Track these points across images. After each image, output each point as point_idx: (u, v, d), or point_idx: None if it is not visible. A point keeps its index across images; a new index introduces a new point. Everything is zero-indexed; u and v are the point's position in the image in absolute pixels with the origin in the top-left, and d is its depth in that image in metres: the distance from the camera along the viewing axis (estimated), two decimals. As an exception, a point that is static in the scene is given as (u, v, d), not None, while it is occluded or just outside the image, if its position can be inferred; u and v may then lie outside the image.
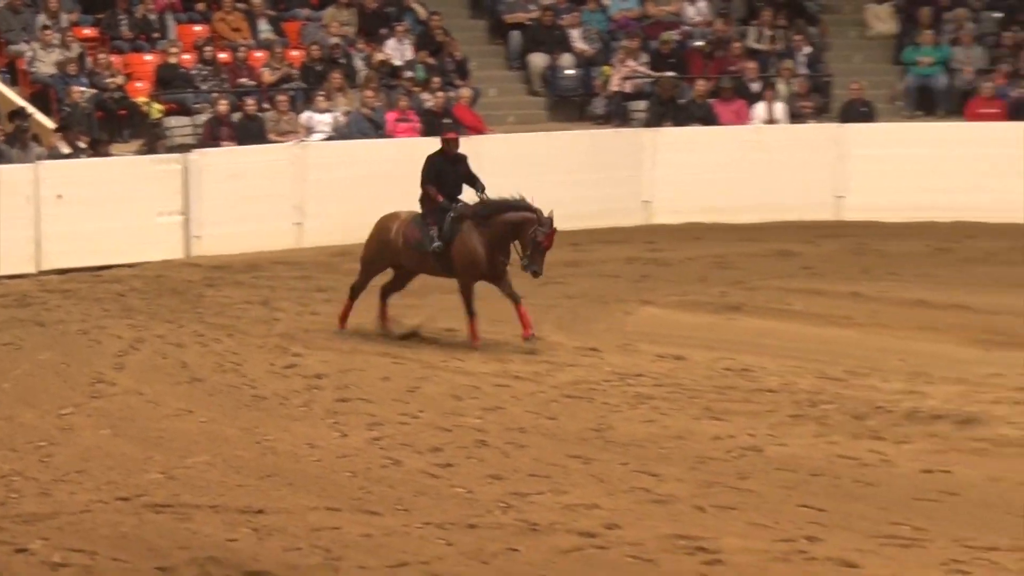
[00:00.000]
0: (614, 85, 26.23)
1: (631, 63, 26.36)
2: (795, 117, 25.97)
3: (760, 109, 25.87)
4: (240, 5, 26.15)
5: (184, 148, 23.47)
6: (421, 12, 26.99)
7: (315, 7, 26.78)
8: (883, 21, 28.10)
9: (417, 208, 17.68)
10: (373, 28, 26.41)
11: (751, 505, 12.20)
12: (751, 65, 26.50)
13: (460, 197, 17.59)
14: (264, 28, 26.26)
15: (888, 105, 26.79)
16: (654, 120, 25.67)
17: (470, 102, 25.40)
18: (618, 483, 12.76)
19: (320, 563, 11.01)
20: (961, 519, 11.86)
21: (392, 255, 17.82)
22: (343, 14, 26.43)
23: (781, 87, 26.22)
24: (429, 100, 25.02)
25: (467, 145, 24.13)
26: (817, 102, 26.46)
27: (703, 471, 13.08)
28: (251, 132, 23.92)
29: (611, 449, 13.72)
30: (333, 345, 17.57)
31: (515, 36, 27.09)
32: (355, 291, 18.11)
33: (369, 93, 24.68)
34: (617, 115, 26.10)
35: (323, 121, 24.44)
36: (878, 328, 18.25)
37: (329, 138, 24.29)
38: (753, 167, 24.71)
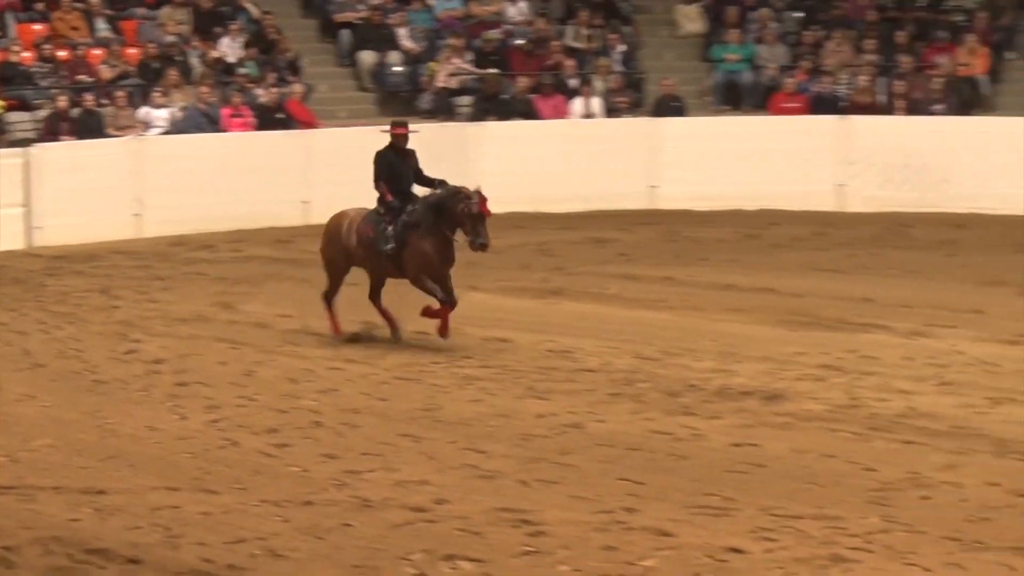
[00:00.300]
0: (440, 81, 26.20)
1: (456, 60, 26.36)
2: (611, 112, 26.13)
3: (578, 104, 26.00)
4: (78, 4, 25.72)
5: (25, 142, 23.12)
6: (254, 11, 26.76)
7: (151, 6, 26.42)
8: (692, 21, 28.32)
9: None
10: (208, 27, 26.13)
11: (572, 479, 12.25)
12: (569, 63, 26.62)
13: (414, 191, 16.74)
14: (102, 27, 25.86)
15: (698, 100, 27.01)
16: (478, 115, 25.73)
17: (302, 98, 25.25)
18: (447, 460, 12.75)
19: (160, 541, 10.88)
20: (768, 489, 11.99)
21: (347, 253, 16.85)
22: (178, 13, 26.14)
23: (598, 83, 26.36)
24: (262, 96, 24.83)
25: (299, 139, 24.26)
26: (631, 97, 26.64)
27: (527, 447, 13.11)
28: (90, 127, 23.61)
29: (440, 428, 13.71)
30: (172, 331, 17.38)
31: (345, 34, 26.95)
32: (327, 297, 17.09)
33: (204, 89, 24.46)
34: (443, 110, 26.08)
35: (160, 116, 24.18)
36: (690, 310, 18.41)
37: (166, 132, 24.03)
38: (572, 159, 24.81)
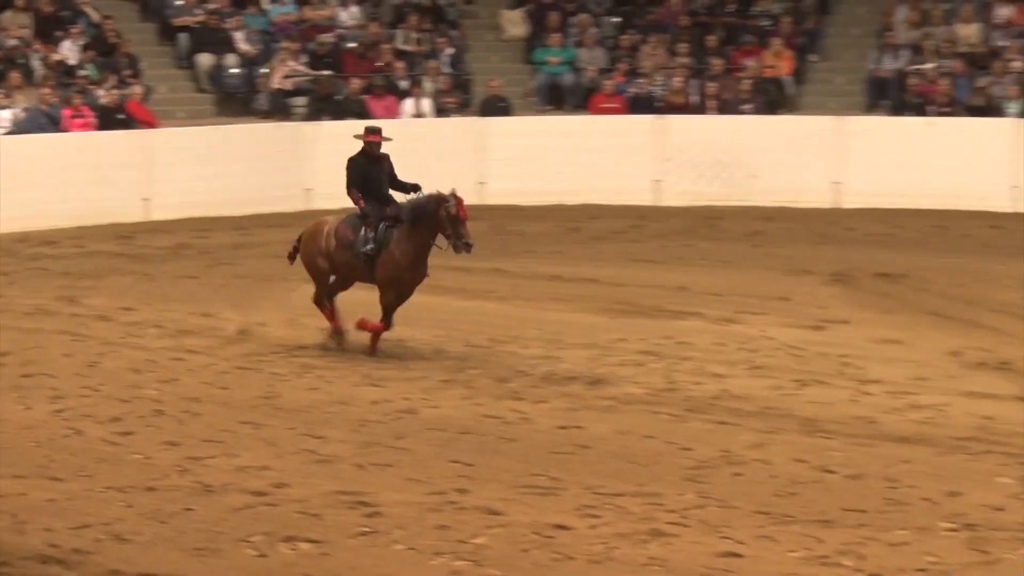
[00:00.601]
0: (276, 83, 26.00)
1: (291, 63, 26.17)
2: (440, 111, 26.12)
3: (409, 104, 25.95)
4: (-78, 8, 25.20)
5: None
6: (94, 15, 26.34)
7: (-7, 11, 25.96)
8: (516, 25, 28.39)
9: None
10: (49, 30, 25.65)
11: (407, 462, 12.23)
12: (400, 65, 26.56)
13: (389, 195, 15.90)
14: (-55, 31, 25.37)
15: (522, 100, 27.08)
16: (313, 115, 25.58)
17: (142, 99, 24.91)
18: (286, 446, 12.67)
19: (7, 527, 10.68)
20: (592, 469, 12.07)
21: (328, 257, 15.91)
22: (20, 17, 25.64)
23: (427, 84, 26.34)
24: (103, 97, 24.46)
25: (140, 138, 23.94)
26: (459, 98, 26.65)
27: (363, 433, 13.07)
28: (-65, 128, 23.14)
29: (279, 415, 13.61)
30: (16, 325, 17.05)
31: (183, 38, 26.62)
32: (318, 302, 16.22)
33: (46, 91, 24.02)
34: (279, 110, 25.90)
35: (3, 117, 23.71)
36: (518, 300, 18.46)
37: (9, 133, 23.58)
38: (403, 157, 24.57)
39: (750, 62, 26.84)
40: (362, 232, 15.63)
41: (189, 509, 11.09)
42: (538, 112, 26.75)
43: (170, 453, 12.43)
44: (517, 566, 10.10)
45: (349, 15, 27.62)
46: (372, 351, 15.70)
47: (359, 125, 24.95)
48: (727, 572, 10.01)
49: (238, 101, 26.25)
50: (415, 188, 15.84)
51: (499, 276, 19.82)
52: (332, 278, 16.19)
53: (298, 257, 16.41)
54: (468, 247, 15.41)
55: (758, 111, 26.04)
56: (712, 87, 26.33)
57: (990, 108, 25.42)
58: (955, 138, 24.62)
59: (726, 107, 26.13)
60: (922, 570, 10.03)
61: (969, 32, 26.68)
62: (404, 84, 26.29)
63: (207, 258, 21.14)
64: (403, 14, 27.79)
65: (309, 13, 27.44)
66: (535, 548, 10.38)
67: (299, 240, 16.39)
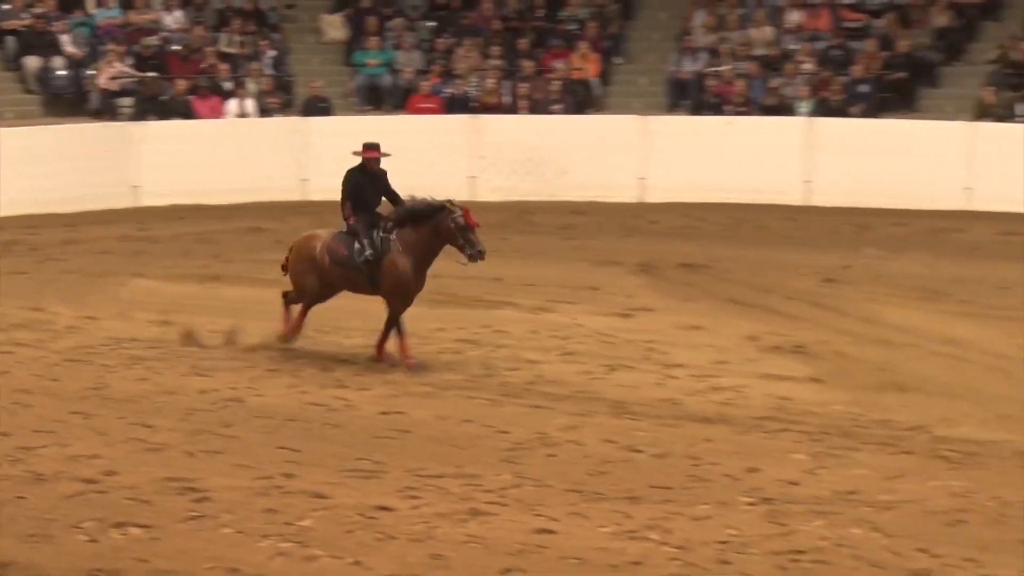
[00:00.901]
0: (103, 84, 25.58)
1: (117, 64, 25.75)
2: (263, 112, 25.92)
3: (233, 105, 25.71)
4: None
5: None
6: (-78, 18, 25.73)
7: None
8: (335, 29, 28.24)
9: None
10: None
11: (234, 449, 12.12)
12: (224, 66, 26.30)
13: (379, 211, 15.08)
14: None
15: (343, 101, 26.96)
16: (139, 115, 25.22)
17: (-30, 100, 24.40)
18: (116, 435, 12.48)
19: None
20: (413, 452, 12.06)
21: (321, 273, 15.07)
22: None
23: (251, 85, 26.11)
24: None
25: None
26: (282, 99, 26.46)
27: (192, 421, 12.92)
28: None
29: (109, 405, 13.40)
30: None
31: (10, 41, 26.07)
32: (290, 300, 15.44)
33: None
34: (106, 111, 25.48)
35: None
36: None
37: None
38: (228, 155, 24.52)
39: (559, 64, 26.99)
40: (356, 245, 14.87)
41: (21, 497, 10.88)
42: (358, 112, 26.64)
43: (1, 443, 12.17)
44: (341, 546, 10.06)
45: (173, 19, 27.26)
46: (410, 363, 14.66)
47: (184, 125, 24.95)
48: (541, 548, 10.07)
49: (65, 102, 25.77)
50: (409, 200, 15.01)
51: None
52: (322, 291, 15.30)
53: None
54: (481, 254, 14.69)
55: (567, 111, 26.20)
56: (523, 88, 26.47)
57: (782, 107, 25.86)
58: (751, 136, 25.01)
59: (537, 107, 26.27)
60: (723, 542, 10.18)
61: (762, 36, 27.11)
62: (228, 85, 26.02)
63: (37, 254, 20.73)
64: (226, 18, 27.53)
65: (134, 17, 27.03)
66: (359, 529, 10.36)
67: (290, 251, 15.53)
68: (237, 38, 27.14)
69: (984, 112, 24.71)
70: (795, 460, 11.93)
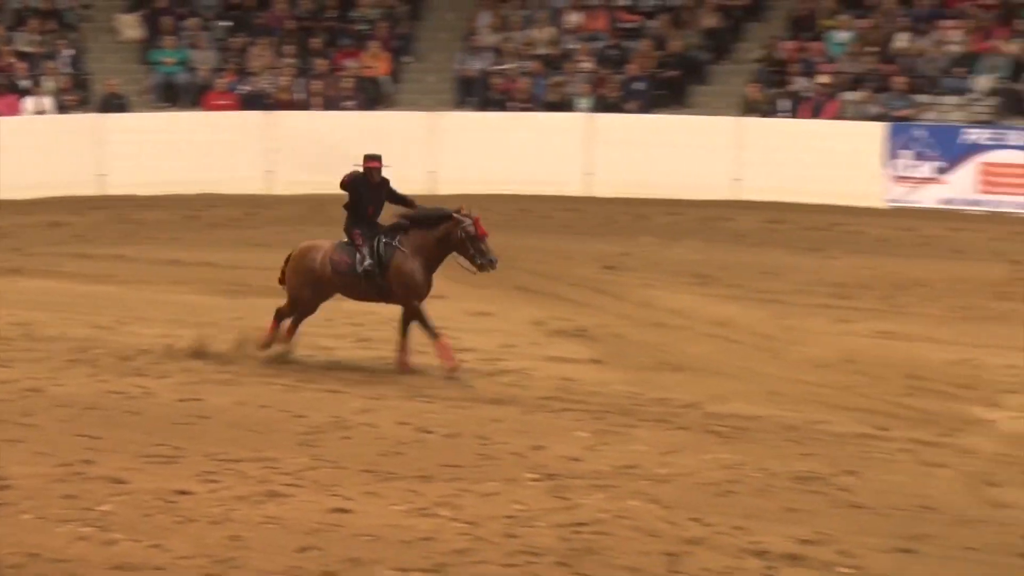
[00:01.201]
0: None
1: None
2: (61, 109, 25.45)
3: (30, 102, 25.19)
4: None
5: None
6: None
7: None
8: (131, 28, 27.77)
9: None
10: None
11: (34, 438, 11.88)
12: (21, 65, 25.73)
13: (380, 221, 14.36)
14: None
15: (139, 98, 26.54)
16: (-64, 112, 24.59)
17: None
18: (-85, 427, 12.13)
19: None
20: (212, 437, 11.95)
21: (321, 285, 14.33)
22: None
23: (48, 83, 25.60)
24: None
25: None
26: (79, 96, 25.97)
27: (-9, 412, 12.62)
28: None
29: (-93, 398, 13.03)
30: None
31: None
32: (281, 315, 14.55)
33: None
34: None
35: None
36: (139, 284, 18.11)
37: None
38: (25, 152, 23.98)
39: (350, 63, 26.91)
40: (357, 255, 14.20)
41: None
42: (154, 109, 26.25)
43: None
44: (141, 529, 9.92)
45: (-34, 19, 26.60)
46: (451, 365, 13.97)
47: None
48: (336, 526, 10.05)
49: None
50: (412, 204, 14.48)
51: (121, 262, 19.41)
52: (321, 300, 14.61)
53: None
54: (493, 263, 14.13)
55: (359, 107, 26.14)
56: (316, 85, 26.34)
57: (564, 104, 26.13)
58: (534, 131, 25.23)
59: (329, 104, 26.16)
60: (510, 516, 10.26)
61: (544, 36, 27.34)
62: (25, 83, 25.45)
63: None
64: (23, 17, 26.91)
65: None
66: (158, 512, 10.23)
67: (287, 262, 14.69)
68: (35, 37, 26.54)
69: (750, 108, 25.26)
70: (577, 437, 12.07)
